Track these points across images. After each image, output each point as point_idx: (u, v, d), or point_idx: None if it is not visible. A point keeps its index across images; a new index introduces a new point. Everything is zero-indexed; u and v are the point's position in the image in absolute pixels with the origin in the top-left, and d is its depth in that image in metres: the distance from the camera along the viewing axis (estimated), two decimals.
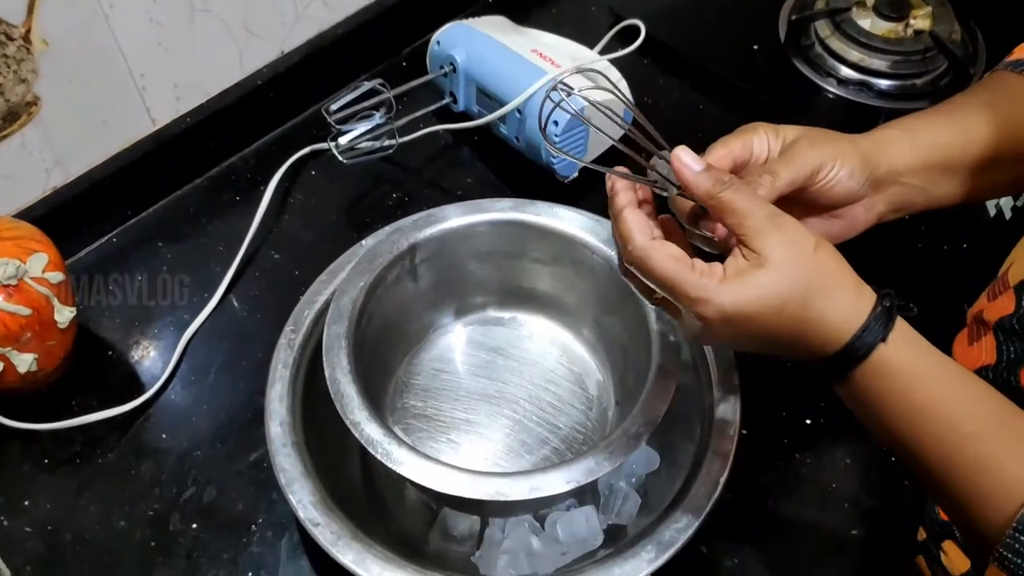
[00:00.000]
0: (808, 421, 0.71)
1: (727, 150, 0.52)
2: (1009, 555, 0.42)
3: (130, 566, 0.64)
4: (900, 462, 0.49)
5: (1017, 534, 0.42)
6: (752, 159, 0.54)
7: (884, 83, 0.91)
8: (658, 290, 0.48)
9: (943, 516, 0.56)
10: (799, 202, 0.54)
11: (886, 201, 0.57)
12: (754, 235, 0.45)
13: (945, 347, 0.73)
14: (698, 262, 0.46)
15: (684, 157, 0.48)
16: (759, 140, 0.54)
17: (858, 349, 0.45)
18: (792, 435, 0.70)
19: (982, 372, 0.55)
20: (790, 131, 0.54)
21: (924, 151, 0.56)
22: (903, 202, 0.57)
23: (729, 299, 0.44)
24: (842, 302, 0.45)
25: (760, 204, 0.46)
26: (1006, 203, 0.82)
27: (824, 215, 0.56)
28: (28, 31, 0.69)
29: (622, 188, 0.49)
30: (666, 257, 0.46)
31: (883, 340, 0.45)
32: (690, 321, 0.47)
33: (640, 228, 0.47)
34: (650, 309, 0.63)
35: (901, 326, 0.46)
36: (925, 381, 0.46)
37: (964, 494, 0.45)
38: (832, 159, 0.53)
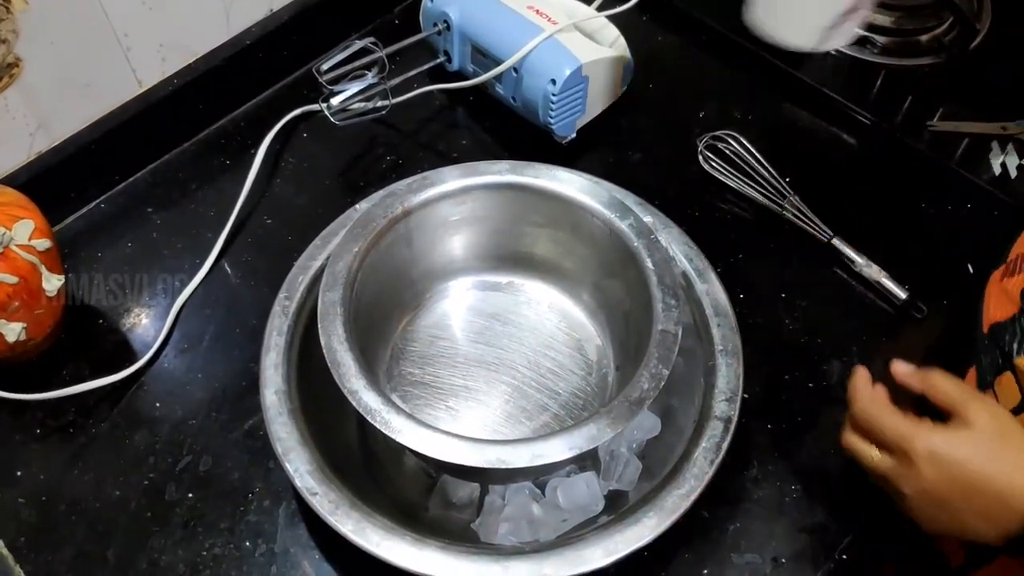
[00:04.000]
0: (810, 385, 0.70)
1: None
2: None
3: (126, 536, 0.64)
4: None
5: None
6: None
7: (886, 39, 0.90)
8: (876, 447, 0.55)
9: None
10: None
11: None
12: (959, 404, 0.52)
13: (956, 304, 0.73)
14: (910, 414, 0.54)
15: (900, 367, 0.57)
16: None
17: None
18: (794, 400, 0.69)
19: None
20: None
21: None
22: None
23: (940, 439, 0.51)
24: None
25: (962, 384, 0.54)
26: (1011, 161, 0.80)
27: None
28: None
29: (863, 376, 0.57)
30: (883, 407, 0.55)
31: None
32: (899, 468, 0.53)
33: (864, 386, 0.57)
34: (651, 272, 0.63)
35: None
36: None
37: None
38: None
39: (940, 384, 0.54)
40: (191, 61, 0.83)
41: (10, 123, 0.73)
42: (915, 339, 0.73)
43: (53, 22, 0.71)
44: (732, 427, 0.60)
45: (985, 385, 0.58)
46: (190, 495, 0.65)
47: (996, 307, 0.59)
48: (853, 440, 0.56)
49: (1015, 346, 0.55)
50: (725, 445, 0.59)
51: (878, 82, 0.88)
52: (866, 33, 0.90)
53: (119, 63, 0.77)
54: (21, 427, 0.69)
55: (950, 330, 0.73)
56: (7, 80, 0.71)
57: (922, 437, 0.51)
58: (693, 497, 0.57)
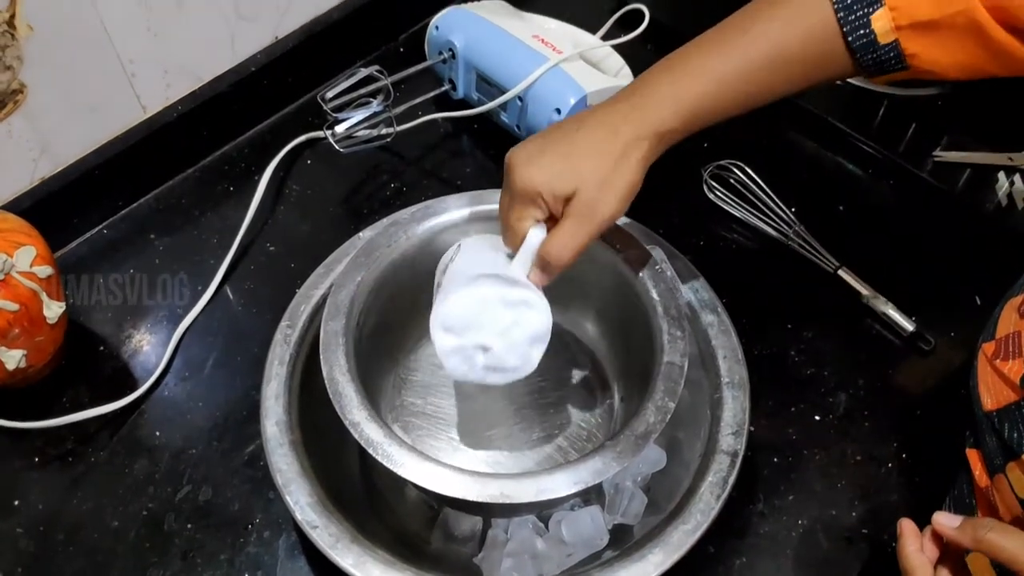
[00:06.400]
0: (817, 417, 0.69)
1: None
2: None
3: (124, 567, 0.63)
4: None
5: None
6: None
7: None
8: None
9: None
10: None
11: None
12: None
13: (964, 336, 0.72)
14: None
15: (942, 520, 0.51)
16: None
17: None
18: (801, 432, 0.69)
19: None
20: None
21: (689, 115, 0.57)
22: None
23: None
24: None
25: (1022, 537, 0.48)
26: (1018, 192, 0.80)
27: None
28: (12, 16, 0.66)
29: (911, 534, 0.52)
30: None
31: None
32: None
33: (922, 564, 0.51)
34: (656, 302, 0.62)
35: None
36: None
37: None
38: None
39: (999, 542, 0.48)
40: (196, 87, 0.83)
41: (14, 149, 0.73)
42: (922, 372, 0.72)
43: (58, 48, 0.71)
44: (739, 461, 0.59)
45: (995, 470, 0.55)
46: (189, 525, 0.65)
47: (992, 390, 0.57)
48: None
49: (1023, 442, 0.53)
50: (732, 480, 0.58)
51: (881, 111, 0.88)
52: None
53: (123, 89, 0.78)
54: (20, 455, 0.68)
55: (958, 363, 0.72)
56: (11, 106, 0.71)
57: None
58: (699, 533, 0.56)
